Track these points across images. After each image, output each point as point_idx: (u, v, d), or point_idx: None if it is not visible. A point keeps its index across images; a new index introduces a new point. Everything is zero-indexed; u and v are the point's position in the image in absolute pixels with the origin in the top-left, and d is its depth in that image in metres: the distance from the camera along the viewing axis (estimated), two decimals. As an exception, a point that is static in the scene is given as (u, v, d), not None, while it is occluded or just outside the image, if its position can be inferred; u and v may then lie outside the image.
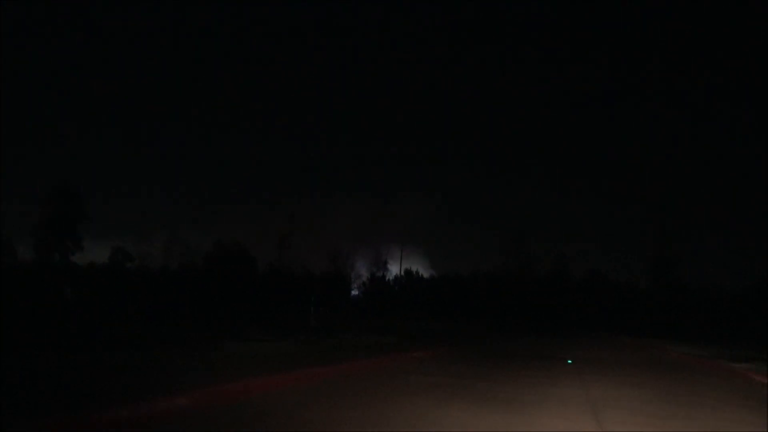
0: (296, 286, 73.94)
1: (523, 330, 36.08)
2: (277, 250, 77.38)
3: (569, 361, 14.40)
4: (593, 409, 6.50)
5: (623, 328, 37.73)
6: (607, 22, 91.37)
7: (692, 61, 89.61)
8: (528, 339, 28.06)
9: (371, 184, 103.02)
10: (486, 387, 8.08)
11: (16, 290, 29.20)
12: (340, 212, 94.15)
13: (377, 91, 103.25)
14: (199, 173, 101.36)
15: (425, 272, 76.96)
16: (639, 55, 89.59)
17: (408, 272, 73.94)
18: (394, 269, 76.53)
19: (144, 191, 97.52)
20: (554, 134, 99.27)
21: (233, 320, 25.12)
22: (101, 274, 64.53)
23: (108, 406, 5.02)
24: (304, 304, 66.67)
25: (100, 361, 8.71)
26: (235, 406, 5.66)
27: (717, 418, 6.42)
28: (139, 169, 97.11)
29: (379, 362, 11.43)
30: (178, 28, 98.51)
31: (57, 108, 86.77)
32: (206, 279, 65.33)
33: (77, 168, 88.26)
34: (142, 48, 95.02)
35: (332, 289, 72.30)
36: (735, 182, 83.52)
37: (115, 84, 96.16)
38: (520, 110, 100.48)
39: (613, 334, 34.52)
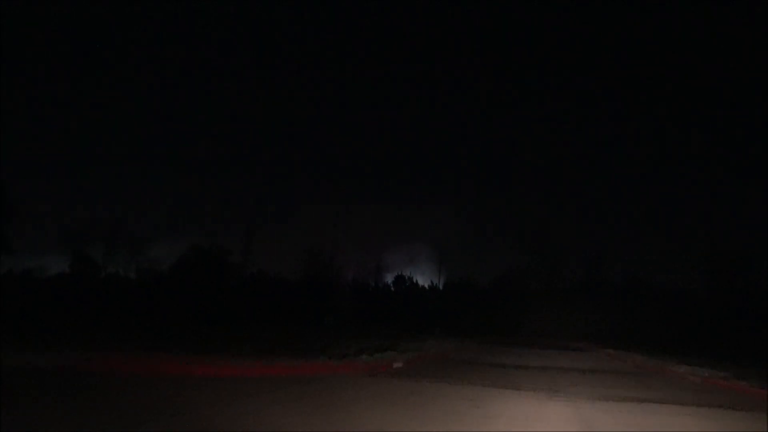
0: (265, 293, 60.88)
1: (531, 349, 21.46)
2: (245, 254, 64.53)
3: None
4: None
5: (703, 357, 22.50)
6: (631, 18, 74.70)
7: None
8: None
9: (385, 189, 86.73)
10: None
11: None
12: (341, 217, 79.74)
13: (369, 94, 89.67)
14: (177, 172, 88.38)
15: (427, 280, 62.19)
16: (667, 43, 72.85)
17: (399, 278, 59.37)
18: (390, 277, 62.72)
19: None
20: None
21: None
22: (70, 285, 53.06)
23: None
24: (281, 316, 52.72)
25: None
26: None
27: None
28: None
29: None
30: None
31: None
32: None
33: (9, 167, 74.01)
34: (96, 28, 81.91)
35: (306, 298, 58.28)
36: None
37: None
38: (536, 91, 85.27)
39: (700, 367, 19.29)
